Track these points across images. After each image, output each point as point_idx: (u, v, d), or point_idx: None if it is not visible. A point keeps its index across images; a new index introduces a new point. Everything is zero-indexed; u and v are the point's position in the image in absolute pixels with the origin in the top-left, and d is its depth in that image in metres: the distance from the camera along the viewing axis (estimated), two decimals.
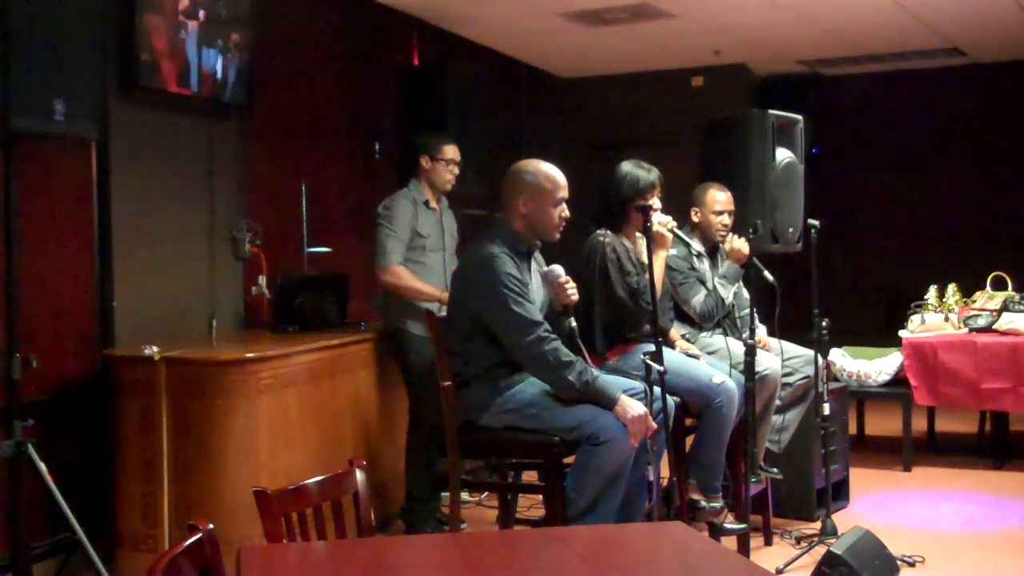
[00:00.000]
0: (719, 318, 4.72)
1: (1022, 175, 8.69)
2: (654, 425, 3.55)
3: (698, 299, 4.66)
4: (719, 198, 4.86)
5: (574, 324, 3.74)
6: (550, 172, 3.84)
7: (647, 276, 4.06)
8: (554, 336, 3.67)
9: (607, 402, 3.60)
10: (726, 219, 4.86)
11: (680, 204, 4.84)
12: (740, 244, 4.73)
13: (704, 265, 4.77)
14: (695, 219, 4.87)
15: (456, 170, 5.03)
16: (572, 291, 3.81)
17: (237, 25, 5.12)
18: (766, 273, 4.54)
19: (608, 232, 4.29)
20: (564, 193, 3.83)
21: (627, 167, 4.37)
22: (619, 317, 4.23)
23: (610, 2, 6.70)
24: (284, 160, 5.81)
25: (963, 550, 4.70)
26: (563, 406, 3.67)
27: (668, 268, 4.46)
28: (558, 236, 3.88)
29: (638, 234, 4.37)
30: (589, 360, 3.75)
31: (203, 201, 5.08)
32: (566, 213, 3.85)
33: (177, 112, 4.90)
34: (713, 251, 4.89)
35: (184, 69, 4.83)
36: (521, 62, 8.46)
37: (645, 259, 4.22)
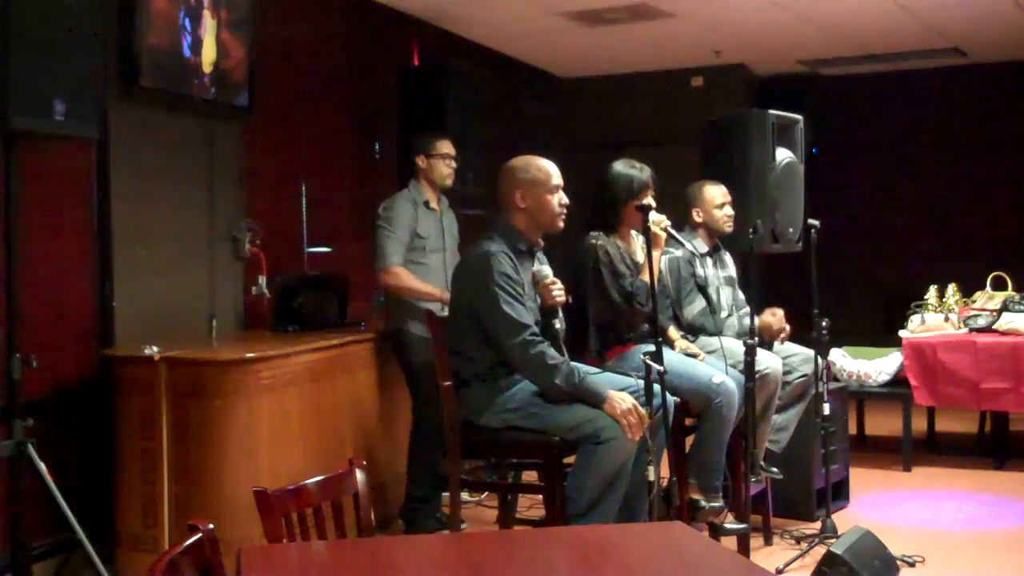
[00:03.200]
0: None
1: (1022, 175, 8.69)
2: (645, 414, 3.53)
3: (692, 311, 4.64)
4: (717, 192, 4.85)
5: (559, 326, 3.77)
6: (541, 162, 3.89)
7: (642, 277, 4.06)
8: (541, 339, 3.68)
9: (596, 400, 3.61)
10: (729, 210, 4.85)
11: (681, 204, 4.83)
12: (775, 321, 4.71)
13: (707, 267, 4.76)
14: (697, 219, 4.84)
15: (453, 164, 5.02)
16: (558, 293, 3.83)
17: (237, 25, 5.12)
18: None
19: (600, 234, 4.28)
20: (559, 180, 3.87)
21: (620, 167, 4.36)
22: (614, 320, 4.23)
23: (610, 2, 6.70)
24: (284, 160, 5.80)
25: (963, 550, 4.70)
26: (563, 404, 3.67)
27: (671, 270, 4.45)
28: (561, 224, 3.89)
29: (633, 233, 4.37)
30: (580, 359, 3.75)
31: (203, 201, 5.08)
32: (565, 200, 3.87)
33: (177, 112, 4.90)
34: (715, 250, 4.89)
35: (184, 68, 4.82)
36: (521, 62, 8.46)
37: (639, 259, 4.24)
